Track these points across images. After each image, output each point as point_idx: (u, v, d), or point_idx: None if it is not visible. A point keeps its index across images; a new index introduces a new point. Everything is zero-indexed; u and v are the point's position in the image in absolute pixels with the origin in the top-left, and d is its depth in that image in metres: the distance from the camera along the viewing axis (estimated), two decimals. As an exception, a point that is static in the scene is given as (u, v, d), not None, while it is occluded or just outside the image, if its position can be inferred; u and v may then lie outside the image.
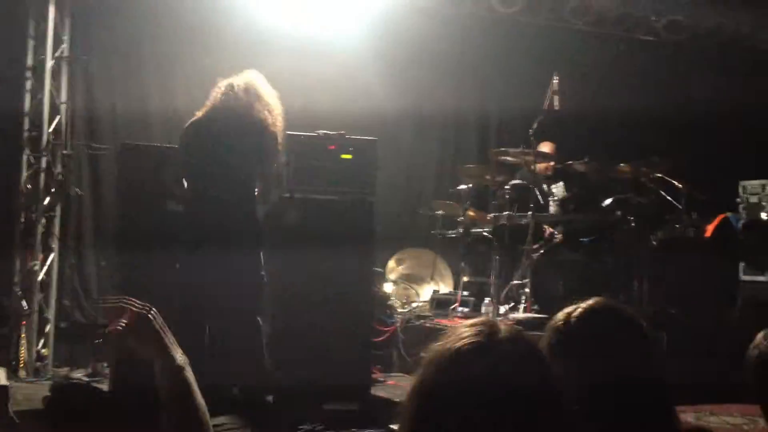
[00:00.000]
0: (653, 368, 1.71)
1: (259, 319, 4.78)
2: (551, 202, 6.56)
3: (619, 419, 1.60)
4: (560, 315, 1.77)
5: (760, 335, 1.95)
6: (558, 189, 6.76)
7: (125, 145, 5.37)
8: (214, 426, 1.63)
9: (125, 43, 6.65)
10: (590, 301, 1.76)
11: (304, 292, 5.18)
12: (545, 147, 6.88)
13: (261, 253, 4.79)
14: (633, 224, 6.29)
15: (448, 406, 1.19)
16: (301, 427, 4.38)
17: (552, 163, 6.93)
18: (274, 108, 4.82)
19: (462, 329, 1.26)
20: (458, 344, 1.22)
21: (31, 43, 6.16)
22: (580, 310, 1.74)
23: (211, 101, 4.78)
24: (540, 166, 6.82)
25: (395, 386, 5.75)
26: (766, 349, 1.90)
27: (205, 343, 4.67)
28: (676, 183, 6.55)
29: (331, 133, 5.44)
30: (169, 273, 4.90)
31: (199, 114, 4.79)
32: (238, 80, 4.81)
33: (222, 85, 4.81)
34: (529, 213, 6.14)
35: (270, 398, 4.90)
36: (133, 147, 5.30)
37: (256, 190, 4.81)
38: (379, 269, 6.52)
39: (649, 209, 6.36)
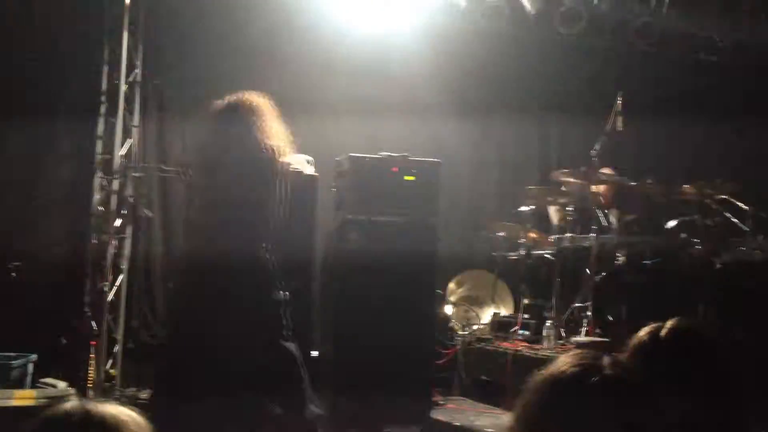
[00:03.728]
0: (734, 390, 1.70)
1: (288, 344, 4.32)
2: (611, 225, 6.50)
3: None
4: (643, 334, 1.76)
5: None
6: (612, 215, 6.69)
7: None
8: None
9: (197, 67, 6.82)
10: (672, 321, 1.76)
11: (365, 313, 5.24)
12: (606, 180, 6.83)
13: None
14: (698, 247, 6.19)
15: None
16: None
17: (609, 189, 6.84)
18: (273, 130, 4.43)
19: (565, 358, 1.29)
20: (559, 373, 1.24)
21: (105, 68, 6.40)
22: (665, 330, 1.74)
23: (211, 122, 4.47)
24: (600, 190, 6.77)
25: (455, 410, 5.74)
26: None
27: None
28: (741, 204, 6.43)
29: (394, 155, 5.51)
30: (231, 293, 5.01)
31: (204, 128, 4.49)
32: (236, 99, 4.47)
33: (221, 104, 4.50)
34: (592, 235, 6.10)
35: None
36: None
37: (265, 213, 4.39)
38: (440, 291, 6.52)
39: (715, 232, 6.25)
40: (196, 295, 4.29)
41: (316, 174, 5.47)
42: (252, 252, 4.28)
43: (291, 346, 4.30)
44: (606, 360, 1.26)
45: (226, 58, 6.86)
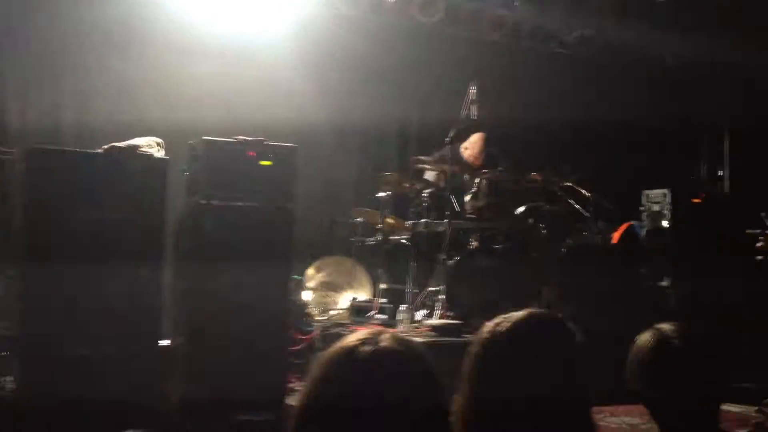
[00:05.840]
0: (579, 377, 1.74)
1: None
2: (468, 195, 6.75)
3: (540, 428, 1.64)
4: (487, 327, 1.75)
5: (641, 339, 2.07)
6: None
7: (33, 149, 5.22)
8: None
9: (39, 45, 6.44)
10: (519, 313, 1.75)
11: (220, 300, 5.13)
12: (475, 139, 7.08)
13: None
14: (544, 232, 6.49)
15: (327, 406, 1.25)
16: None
17: (477, 155, 7.07)
18: None
19: (353, 335, 1.31)
20: (339, 348, 1.28)
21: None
22: (507, 322, 1.72)
23: None
24: (468, 157, 7.02)
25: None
26: (648, 353, 2.03)
27: None
28: (584, 192, 6.80)
29: (250, 139, 5.42)
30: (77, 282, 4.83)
31: None
32: None
33: None
34: (446, 220, 6.27)
35: None
36: (41, 151, 5.16)
37: None
38: (298, 277, 6.51)
39: (559, 217, 6.58)
40: None
41: (167, 157, 5.32)
42: None
43: None
44: (385, 335, 1.29)
45: (72, 37, 6.52)
